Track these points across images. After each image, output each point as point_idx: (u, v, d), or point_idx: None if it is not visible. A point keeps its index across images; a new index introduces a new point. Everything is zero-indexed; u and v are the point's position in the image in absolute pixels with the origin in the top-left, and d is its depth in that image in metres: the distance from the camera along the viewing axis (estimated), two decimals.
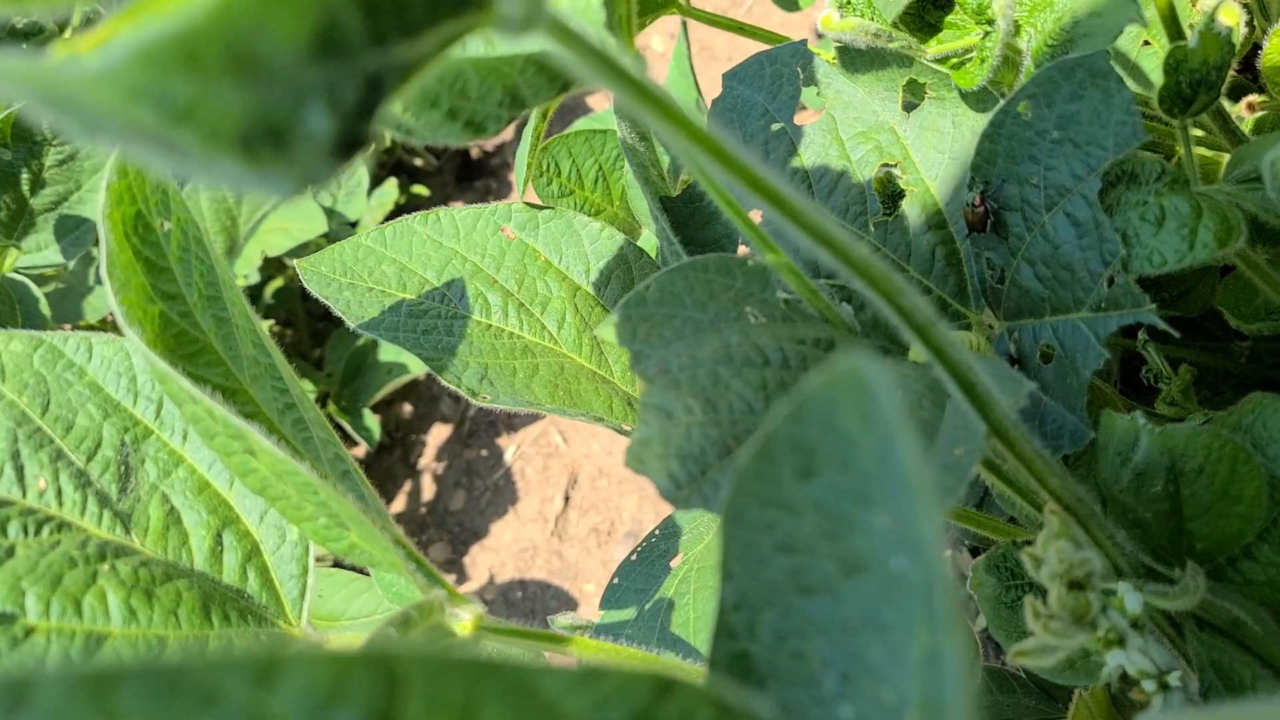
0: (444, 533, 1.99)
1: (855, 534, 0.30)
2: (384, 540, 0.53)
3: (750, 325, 0.58)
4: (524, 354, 0.78)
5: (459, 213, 0.83)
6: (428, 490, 2.01)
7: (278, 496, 0.53)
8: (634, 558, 0.83)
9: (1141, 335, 0.97)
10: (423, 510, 2.02)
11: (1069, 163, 0.60)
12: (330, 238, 1.72)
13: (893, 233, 0.69)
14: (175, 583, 0.56)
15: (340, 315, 0.74)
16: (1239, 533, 0.57)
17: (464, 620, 0.58)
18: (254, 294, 1.73)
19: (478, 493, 1.97)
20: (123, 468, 0.59)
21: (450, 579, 1.90)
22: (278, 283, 1.78)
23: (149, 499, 0.59)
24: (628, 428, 0.76)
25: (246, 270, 1.58)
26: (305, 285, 0.77)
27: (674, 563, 0.79)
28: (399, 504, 2.04)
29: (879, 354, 0.61)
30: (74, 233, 1.18)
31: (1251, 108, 0.94)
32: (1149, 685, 0.56)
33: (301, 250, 1.70)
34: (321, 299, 0.75)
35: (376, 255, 0.80)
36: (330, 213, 1.74)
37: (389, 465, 2.04)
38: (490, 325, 0.79)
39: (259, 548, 0.60)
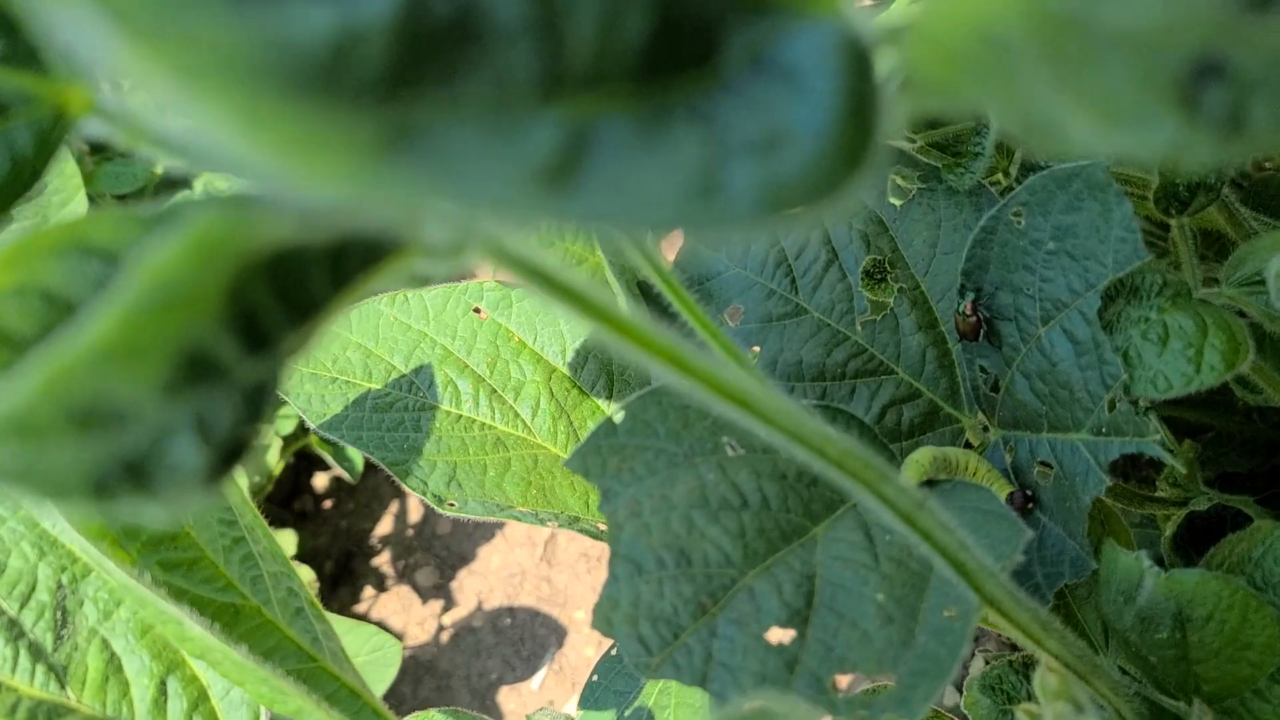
0: (431, 556, 1.96)
1: None
2: (326, 711, 0.49)
3: (728, 459, 0.54)
4: (496, 448, 0.74)
5: (428, 292, 0.79)
6: (414, 513, 1.98)
7: (217, 663, 0.50)
8: (614, 652, 0.80)
9: (1143, 403, 0.94)
10: (410, 533, 1.98)
11: (1066, 276, 0.56)
12: None
13: (881, 332, 0.66)
14: None
15: (301, 415, 0.70)
16: (1249, 677, 0.54)
17: None
18: None
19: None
20: (59, 613, 0.55)
21: (438, 605, 1.87)
22: None
23: (87, 646, 0.55)
24: (604, 527, 0.72)
25: None
26: None
27: None
28: (385, 526, 2.01)
29: None
30: None
31: (1260, 167, 0.90)
32: None
33: None
34: (282, 396, 0.71)
35: (340, 340, 0.76)
36: None
37: (375, 486, 2.01)
38: (460, 416, 0.75)
39: (206, 694, 0.56)
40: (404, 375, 0.76)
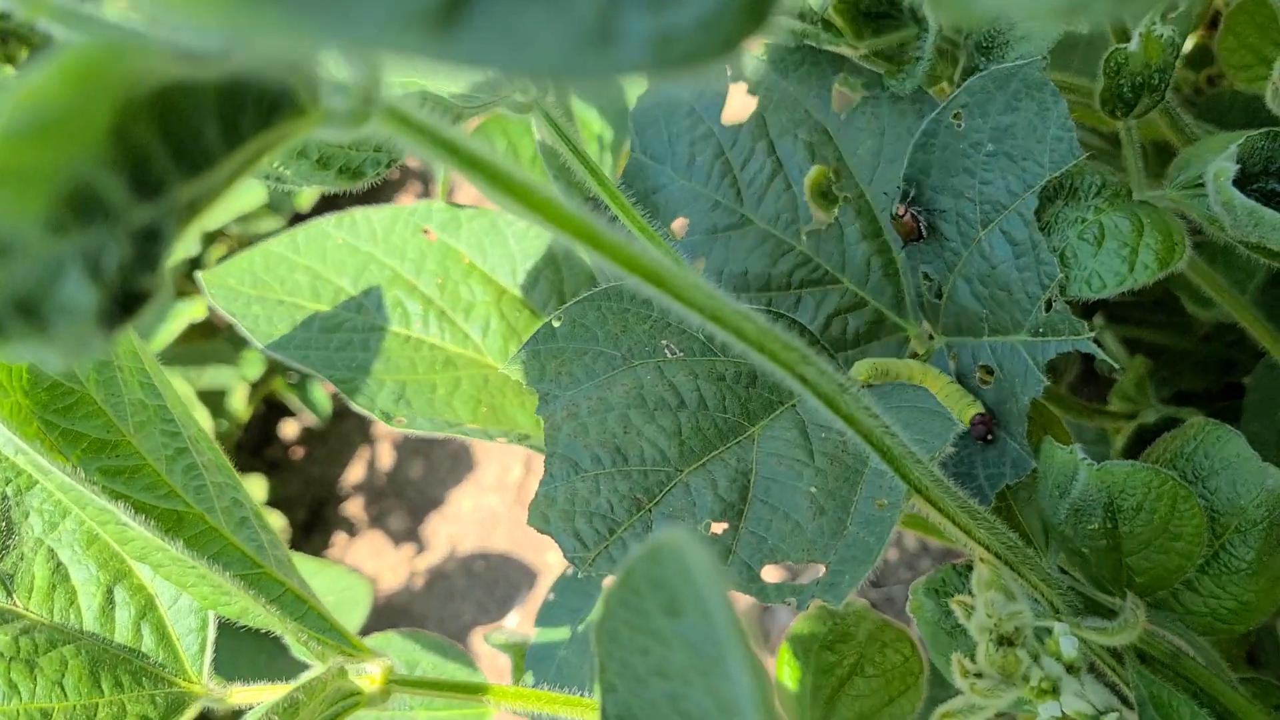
0: (403, 502, 1.96)
1: (723, 679, 0.27)
2: (270, 611, 0.50)
3: (666, 361, 0.54)
4: (445, 367, 0.74)
5: (376, 214, 0.79)
6: (385, 458, 1.98)
7: (159, 564, 0.50)
8: (569, 571, 0.80)
9: (1098, 321, 0.95)
10: (381, 479, 1.99)
11: (1004, 177, 0.56)
12: (272, 206, 1.67)
13: (826, 241, 0.66)
14: (61, 649, 0.53)
15: (247, 335, 0.70)
16: (1179, 568, 0.55)
17: (372, 675, 0.55)
18: (195, 264, 1.68)
19: (436, 461, 1.94)
20: (3, 524, 0.55)
21: (410, 550, 1.88)
22: (220, 250, 1.73)
23: (33, 556, 0.55)
24: None
25: (186, 245, 1.52)
26: (212, 302, 0.73)
27: (608, 581, 0.77)
28: (357, 472, 2.01)
29: None
30: None
31: (1212, 81, 0.91)
32: None
33: (247, 227, 1.64)
34: (228, 316, 0.71)
35: (288, 263, 0.76)
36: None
37: (346, 432, 2.00)
38: (410, 336, 0.75)
39: (154, 602, 0.57)
40: (352, 297, 0.75)
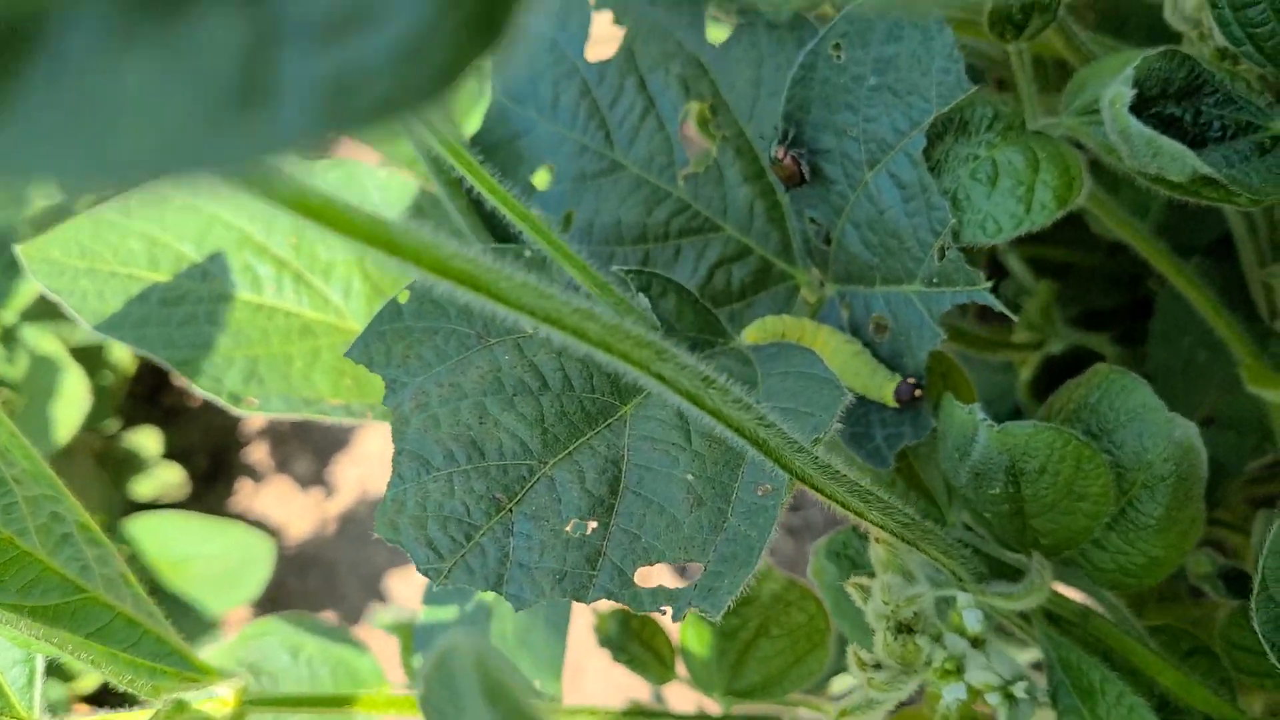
0: (308, 445, 1.89)
1: None
2: (90, 647, 0.44)
3: (527, 337, 0.49)
4: (303, 336, 0.68)
5: None
6: None
7: None
8: None
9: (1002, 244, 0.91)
10: (284, 422, 1.91)
11: (889, 114, 0.51)
12: None
13: (705, 185, 0.60)
14: None
15: (74, 316, 0.63)
16: (1085, 528, 0.52)
17: (223, 699, 0.50)
18: None
19: None
20: None
21: (319, 493, 1.82)
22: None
23: None
24: None
25: None
26: (34, 279, 0.65)
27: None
28: (259, 417, 1.93)
29: (688, 347, 0.52)
30: None
31: None
32: (993, 698, 0.51)
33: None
34: (52, 296, 0.64)
35: (120, 229, 0.68)
36: None
37: None
38: (262, 304, 0.68)
39: None
40: (196, 264, 0.68)
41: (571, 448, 0.46)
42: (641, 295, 0.52)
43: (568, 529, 0.44)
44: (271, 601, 1.75)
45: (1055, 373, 0.77)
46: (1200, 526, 0.54)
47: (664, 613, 0.42)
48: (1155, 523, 0.51)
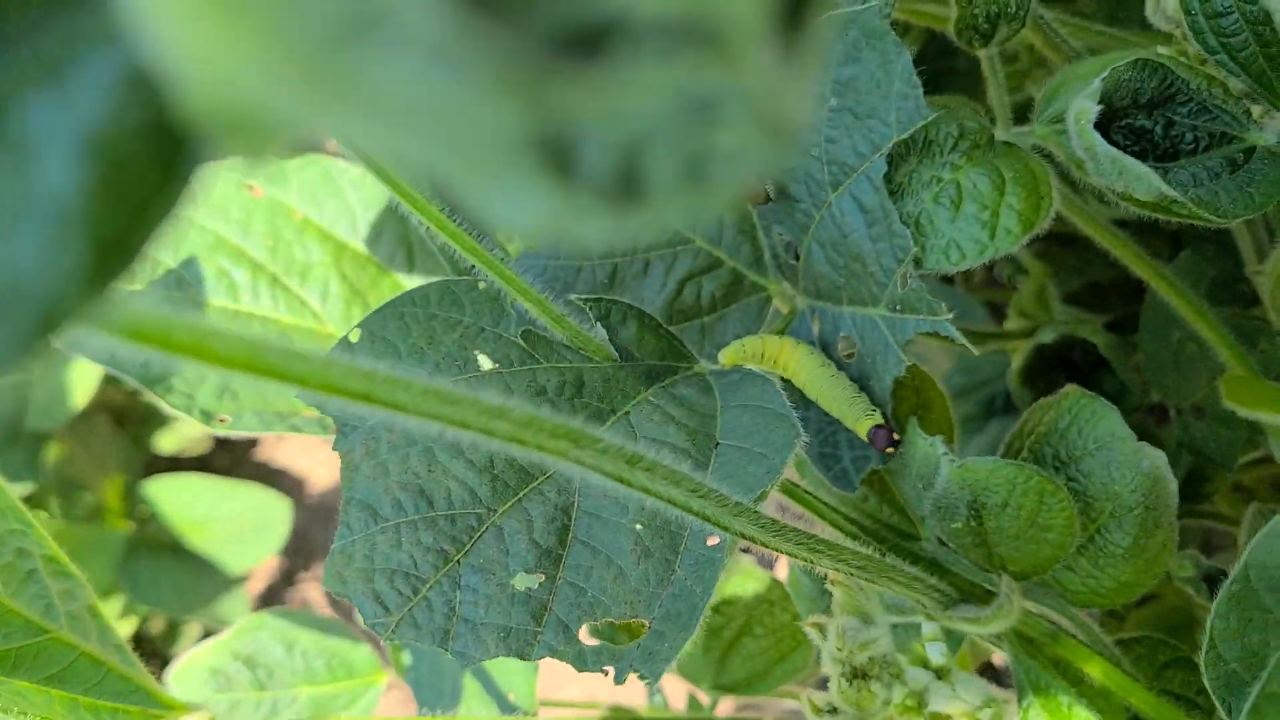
0: None
1: None
2: (45, 694, 0.45)
3: (478, 377, 0.48)
4: None
5: None
6: None
7: None
8: None
9: None
10: None
11: (850, 136, 0.50)
12: None
13: None
14: None
15: None
16: (1052, 557, 0.51)
17: None
18: None
19: None
20: None
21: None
22: None
23: None
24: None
25: None
26: None
27: None
28: None
29: (644, 377, 0.52)
30: None
31: None
32: None
33: None
34: None
35: None
36: None
37: None
38: (238, 311, 0.68)
39: None
40: (171, 270, 0.68)
41: (522, 494, 0.46)
42: (599, 325, 0.51)
43: (514, 583, 0.44)
44: (295, 551, 1.78)
45: (1046, 361, 0.76)
46: (1172, 549, 0.53)
47: (606, 673, 0.42)
48: (1124, 551, 0.51)
